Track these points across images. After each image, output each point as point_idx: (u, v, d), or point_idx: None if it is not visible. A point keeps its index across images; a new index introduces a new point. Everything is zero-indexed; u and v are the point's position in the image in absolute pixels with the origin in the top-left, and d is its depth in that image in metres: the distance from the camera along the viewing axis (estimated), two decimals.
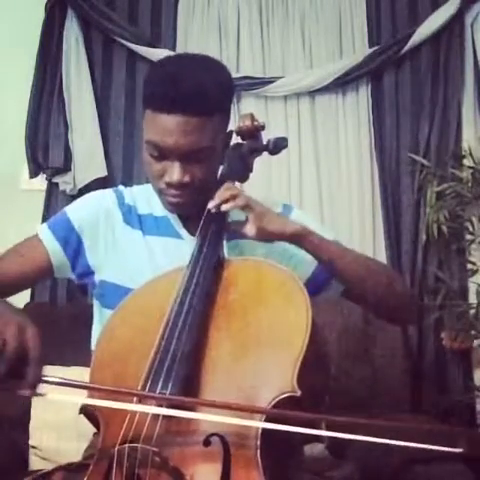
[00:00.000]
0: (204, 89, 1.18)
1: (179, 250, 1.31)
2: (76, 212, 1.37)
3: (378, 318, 1.37)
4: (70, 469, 1.15)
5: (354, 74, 2.82)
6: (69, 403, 1.01)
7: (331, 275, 1.31)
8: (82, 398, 1.04)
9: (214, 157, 1.26)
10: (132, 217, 1.37)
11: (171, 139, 1.18)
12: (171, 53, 2.78)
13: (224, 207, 1.22)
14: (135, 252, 1.34)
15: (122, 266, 1.33)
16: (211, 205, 1.23)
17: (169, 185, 1.24)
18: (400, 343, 2.58)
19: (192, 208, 1.28)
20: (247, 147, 1.44)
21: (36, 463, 2.23)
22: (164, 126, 1.18)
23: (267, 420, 0.96)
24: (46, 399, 0.94)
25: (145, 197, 1.38)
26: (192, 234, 1.33)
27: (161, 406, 0.98)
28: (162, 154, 1.22)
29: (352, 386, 2.34)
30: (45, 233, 1.35)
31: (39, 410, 2.27)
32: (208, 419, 0.95)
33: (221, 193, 1.23)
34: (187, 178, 1.22)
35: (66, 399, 0.97)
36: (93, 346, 1.38)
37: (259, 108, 2.85)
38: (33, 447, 2.27)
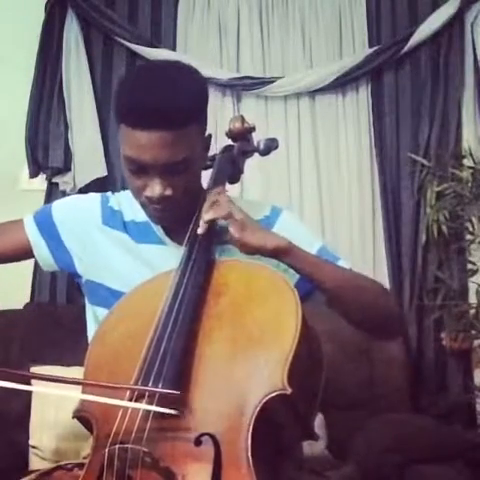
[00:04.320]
0: (177, 102, 1.15)
1: (161, 255, 1.31)
2: (59, 211, 1.38)
3: (358, 329, 1.35)
4: (69, 469, 1.15)
5: (354, 74, 2.83)
6: (68, 402, 1.01)
7: (313, 287, 1.28)
8: (77, 393, 1.04)
9: (194, 165, 1.24)
10: (115, 220, 1.36)
11: (148, 155, 1.16)
12: (171, 53, 2.80)
13: (206, 217, 1.20)
14: (116, 253, 1.34)
15: (104, 267, 1.33)
16: (200, 231, 1.21)
17: (151, 199, 1.22)
18: (400, 343, 2.58)
19: (176, 218, 1.27)
20: (238, 149, 1.43)
21: (36, 463, 2.23)
22: (140, 142, 1.16)
23: (257, 419, 0.97)
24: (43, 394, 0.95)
25: (128, 203, 1.37)
26: (173, 240, 1.32)
27: (151, 404, 0.98)
28: (140, 169, 1.20)
29: (352, 386, 2.34)
30: (30, 223, 1.37)
31: (39, 410, 2.27)
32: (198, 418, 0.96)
33: (209, 207, 1.22)
34: (169, 191, 1.21)
35: (61, 394, 0.97)
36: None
37: (259, 108, 2.86)
38: (33, 447, 2.27)
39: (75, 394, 1.05)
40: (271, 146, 1.43)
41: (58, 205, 1.41)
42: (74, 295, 2.80)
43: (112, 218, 1.36)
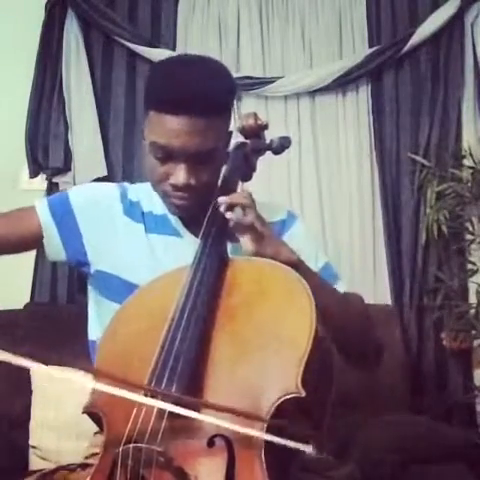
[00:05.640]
0: (210, 90, 1.17)
1: (179, 248, 1.31)
2: (78, 197, 1.36)
3: (342, 358, 1.34)
4: (71, 469, 1.15)
5: (354, 74, 2.82)
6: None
7: None
8: (90, 383, 1.02)
9: (218, 158, 1.26)
10: (135, 211, 1.36)
11: (178, 141, 1.18)
12: (171, 53, 2.79)
13: (229, 215, 1.19)
14: (135, 245, 1.33)
15: (120, 257, 1.32)
16: (221, 199, 1.20)
17: (175, 187, 1.23)
18: (400, 343, 2.58)
19: (196, 210, 1.27)
20: (251, 146, 1.43)
21: (36, 463, 2.23)
22: (170, 128, 1.17)
23: (269, 423, 0.96)
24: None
25: (147, 195, 1.37)
26: (191, 232, 1.33)
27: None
28: (168, 156, 1.21)
29: (352, 386, 2.34)
30: (43, 207, 1.34)
31: (39, 410, 2.27)
32: (211, 421, 0.95)
33: (235, 197, 1.21)
34: (193, 180, 1.22)
35: (77, 380, 0.95)
36: (90, 336, 1.39)
37: (259, 108, 2.85)
38: (33, 447, 2.27)
39: (90, 382, 1.01)
40: (284, 144, 1.43)
41: (76, 191, 1.39)
42: (74, 295, 2.80)
43: (132, 209, 1.36)
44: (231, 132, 1.32)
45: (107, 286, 1.32)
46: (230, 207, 1.19)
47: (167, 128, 1.18)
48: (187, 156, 1.19)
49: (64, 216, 1.33)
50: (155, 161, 1.23)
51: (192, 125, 1.16)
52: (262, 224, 1.19)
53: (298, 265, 1.20)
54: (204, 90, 1.16)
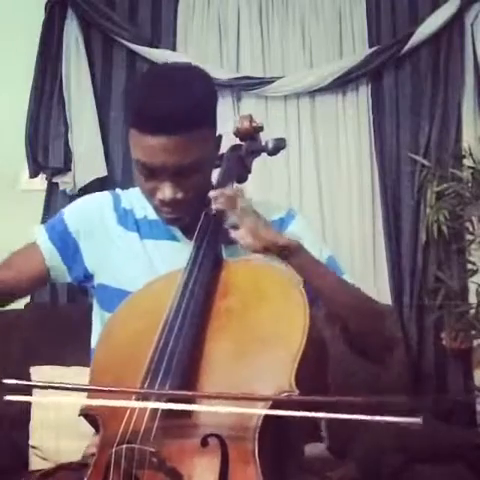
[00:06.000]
0: (185, 107, 1.16)
1: (175, 252, 1.31)
2: (73, 216, 1.37)
3: (353, 351, 1.33)
4: (71, 468, 1.15)
5: (354, 74, 2.83)
6: (70, 405, 1.00)
7: (316, 296, 1.25)
8: (82, 399, 1.03)
9: (205, 167, 1.25)
10: (128, 220, 1.36)
11: (158, 160, 1.17)
12: (171, 53, 2.80)
13: (215, 206, 1.20)
14: (132, 254, 1.33)
15: (119, 269, 1.32)
16: (212, 194, 1.22)
17: (162, 202, 1.23)
18: (400, 343, 2.58)
19: (189, 219, 1.27)
20: (246, 148, 1.43)
21: (36, 463, 2.23)
22: (149, 147, 1.17)
23: (264, 420, 0.96)
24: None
25: (140, 200, 1.37)
26: (187, 236, 1.32)
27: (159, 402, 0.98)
28: (151, 173, 1.21)
29: (352, 386, 2.34)
30: (42, 238, 1.35)
31: (39, 410, 2.27)
32: (206, 410, 0.95)
33: (220, 193, 1.22)
34: (179, 195, 1.21)
35: (67, 401, 0.96)
36: (93, 345, 1.39)
37: (259, 108, 2.86)
38: (33, 447, 2.27)
39: (83, 400, 1.03)
40: (279, 146, 1.43)
41: (70, 209, 1.40)
42: (74, 295, 2.80)
43: (125, 218, 1.36)
44: (220, 136, 1.30)
45: (108, 299, 1.32)
46: (218, 197, 1.21)
47: (146, 147, 1.17)
48: (170, 172, 1.19)
49: (63, 240, 1.35)
50: (141, 177, 1.23)
51: (170, 144, 1.15)
52: (251, 213, 1.19)
53: (299, 249, 1.19)
54: (178, 108, 1.15)
